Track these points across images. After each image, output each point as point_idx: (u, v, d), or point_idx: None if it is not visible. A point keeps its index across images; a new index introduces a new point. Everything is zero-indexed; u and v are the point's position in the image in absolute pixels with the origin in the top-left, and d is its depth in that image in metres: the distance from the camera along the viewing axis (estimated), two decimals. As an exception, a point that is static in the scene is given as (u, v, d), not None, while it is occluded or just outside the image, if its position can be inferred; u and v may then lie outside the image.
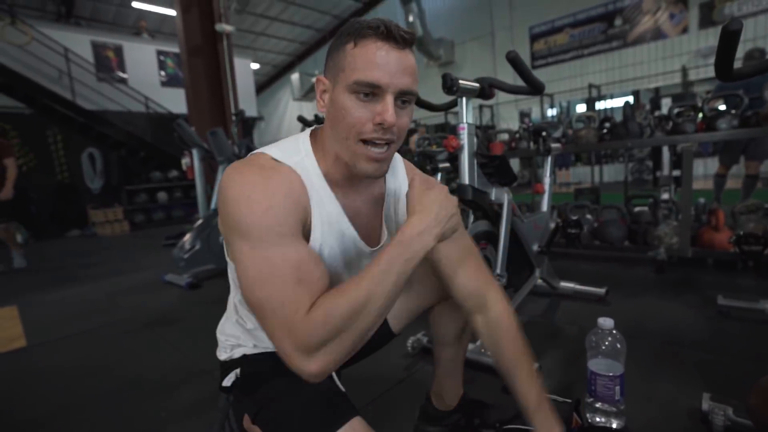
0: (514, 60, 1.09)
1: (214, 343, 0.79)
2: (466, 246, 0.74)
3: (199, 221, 2.80)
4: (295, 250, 0.53)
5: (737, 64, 0.86)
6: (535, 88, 1.20)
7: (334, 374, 0.77)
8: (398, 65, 0.54)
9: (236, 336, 0.73)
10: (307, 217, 0.59)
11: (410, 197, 0.59)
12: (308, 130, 0.66)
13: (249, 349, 0.72)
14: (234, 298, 0.72)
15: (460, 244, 0.72)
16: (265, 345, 0.73)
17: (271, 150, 0.60)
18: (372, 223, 0.69)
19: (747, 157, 3.08)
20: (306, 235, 0.59)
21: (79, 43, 6.97)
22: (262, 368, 0.69)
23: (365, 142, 0.56)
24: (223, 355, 0.75)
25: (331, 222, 0.62)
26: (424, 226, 0.55)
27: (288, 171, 0.58)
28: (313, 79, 12.76)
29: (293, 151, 0.61)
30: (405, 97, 0.56)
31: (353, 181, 0.64)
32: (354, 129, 0.55)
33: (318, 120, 1.83)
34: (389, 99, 0.54)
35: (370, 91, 0.54)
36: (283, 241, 0.53)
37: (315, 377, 0.51)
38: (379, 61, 0.53)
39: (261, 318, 0.53)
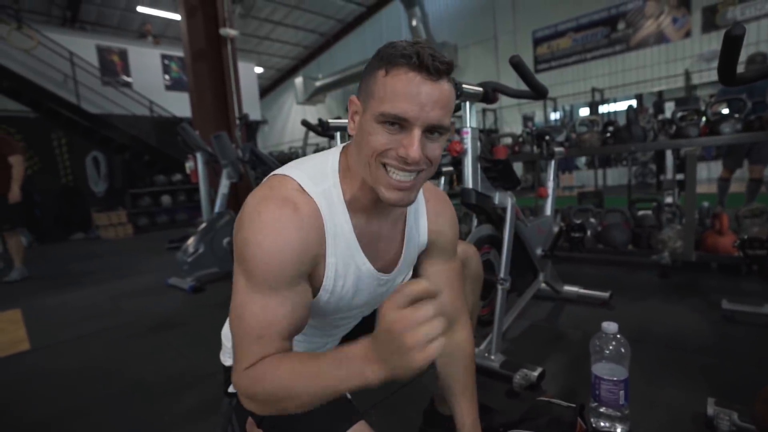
0: (517, 64, 1.10)
1: (217, 347, 0.79)
2: (453, 270, 0.76)
3: (203, 224, 2.80)
4: (276, 304, 0.54)
5: (740, 68, 0.86)
6: (538, 93, 1.21)
7: None
8: (429, 98, 0.51)
9: None
10: (318, 259, 0.59)
11: (382, 318, 0.44)
12: (340, 147, 0.64)
13: None
14: None
15: (449, 266, 0.75)
16: None
17: (299, 175, 0.58)
18: (392, 245, 0.68)
19: (751, 161, 3.07)
20: (318, 279, 0.60)
21: (85, 47, 7.04)
22: None
23: (386, 166, 0.54)
24: (228, 360, 0.76)
25: (346, 258, 0.61)
26: (374, 369, 0.45)
27: (309, 209, 0.56)
28: (317, 83, 12.78)
29: (321, 178, 0.59)
30: (436, 130, 0.54)
31: (379, 204, 0.61)
32: (375, 152, 0.54)
33: (323, 125, 1.84)
34: (416, 133, 0.52)
35: (397, 122, 0.52)
36: (272, 293, 0.54)
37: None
38: (408, 93, 0.50)
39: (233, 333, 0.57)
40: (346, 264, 0.62)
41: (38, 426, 1.21)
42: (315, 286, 0.61)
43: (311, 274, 0.60)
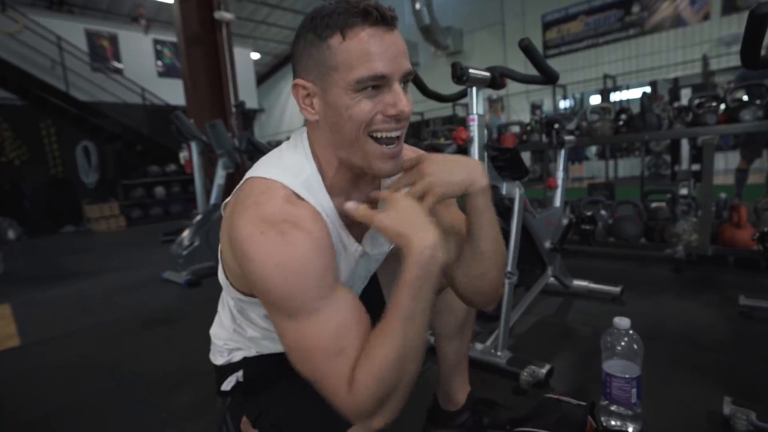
0: (527, 48, 1.04)
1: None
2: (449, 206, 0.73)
3: (198, 217, 2.77)
4: (333, 312, 0.49)
5: (763, 52, 0.81)
6: (548, 77, 1.15)
7: None
8: (396, 49, 0.50)
9: (235, 341, 0.71)
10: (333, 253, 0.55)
11: (384, 217, 0.52)
12: (303, 135, 0.59)
13: (250, 353, 0.71)
14: (229, 304, 0.70)
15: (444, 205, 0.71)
16: (268, 350, 0.72)
17: (277, 174, 0.54)
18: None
19: None
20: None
21: (73, 31, 6.84)
22: (264, 371, 0.68)
23: (376, 139, 0.52)
24: (219, 359, 0.74)
25: (336, 243, 0.59)
26: (420, 245, 0.49)
27: (305, 212, 0.52)
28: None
29: (299, 169, 0.56)
30: (406, 78, 0.53)
31: (357, 183, 0.61)
32: (363, 124, 0.51)
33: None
34: (397, 87, 0.51)
35: (376, 84, 0.50)
36: (322, 304, 0.49)
37: (382, 429, 0.51)
38: (377, 50, 0.48)
39: (314, 383, 0.51)
40: (338, 249, 0.59)
41: (29, 424, 1.19)
42: None
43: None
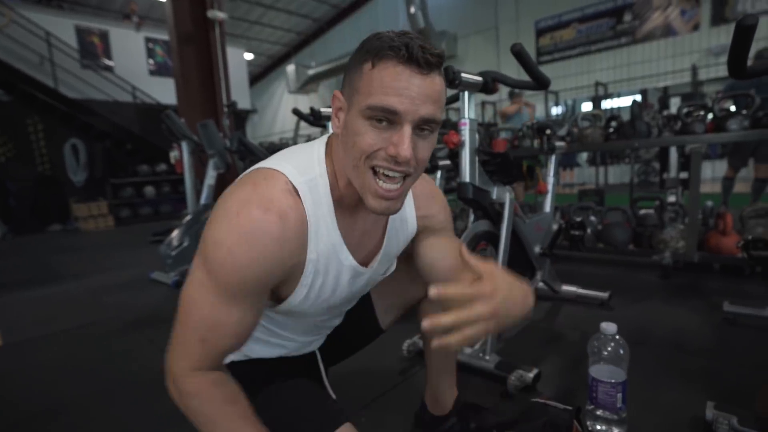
0: (519, 53, 1.05)
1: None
2: (451, 241, 0.73)
3: (188, 217, 2.73)
4: (228, 313, 0.53)
5: (749, 63, 0.83)
6: (540, 83, 1.16)
7: (324, 377, 0.75)
8: (420, 92, 0.48)
9: None
10: (293, 270, 0.57)
11: None
12: (324, 139, 0.61)
13: (238, 356, 0.70)
14: None
15: (446, 238, 0.72)
16: (257, 354, 0.71)
17: (284, 167, 0.55)
18: (373, 238, 0.66)
19: (756, 159, 3.02)
20: (296, 276, 0.58)
21: (62, 27, 6.74)
22: (252, 375, 0.67)
23: (375, 172, 0.52)
24: None
25: (329, 254, 0.59)
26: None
27: (295, 215, 0.53)
28: (310, 71, 12.51)
29: (307, 167, 0.57)
30: (427, 126, 0.51)
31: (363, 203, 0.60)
32: (364, 155, 0.51)
33: (314, 114, 1.79)
34: (406, 129, 0.49)
35: (385, 118, 0.49)
36: (229, 301, 0.52)
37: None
38: (397, 86, 0.48)
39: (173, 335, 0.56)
40: (328, 259, 0.59)
41: (12, 427, 1.16)
42: (291, 284, 0.59)
43: (286, 275, 0.57)
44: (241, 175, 0.58)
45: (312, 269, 0.58)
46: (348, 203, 0.59)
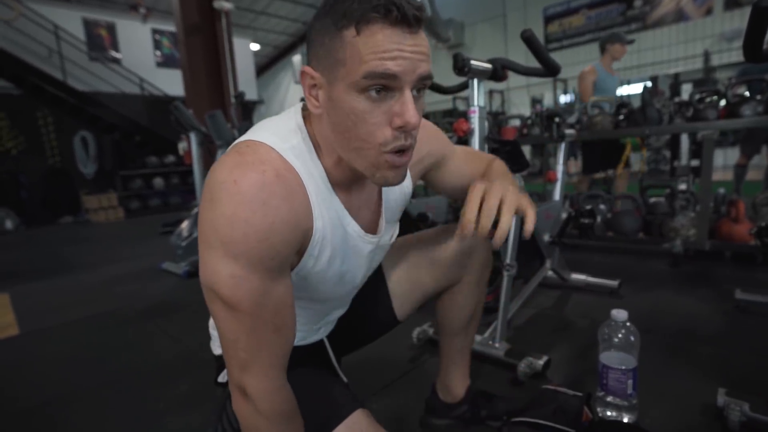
0: (529, 39, 1.03)
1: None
2: (460, 153, 0.77)
3: (197, 208, 2.76)
4: (276, 290, 0.49)
5: (765, 46, 0.81)
6: (550, 69, 1.14)
7: (336, 365, 0.75)
8: (414, 50, 0.45)
9: None
10: (306, 234, 0.52)
11: None
12: (297, 110, 0.56)
13: None
14: None
15: (454, 157, 0.75)
16: None
17: (263, 135, 0.51)
18: (370, 206, 0.63)
19: None
20: (303, 248, 0.54)
21: (70, 19, 6.72)
22: None
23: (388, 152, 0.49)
24: (217, 349, 0.74)
25: (334, 223, 0.56)
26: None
27: (288, 174, 0.49)
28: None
29: (286, 134, 0.52)
30: (422, 85, 0.48)
31: (357, 181, 0.57)
32: (375, 140, 0.47)
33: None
34: (407, 94, 0.46)
35: (383, 86, 0.45)
36: (272, 275, 0.48)
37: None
38: (392, 50, 0.43)
39: (225, 345, 0.51)
40: (334, 227, 0.56)
41: (28, 413, 1.20)
42: (297, 256, 0.55)
43: (300, 240, 0.53)
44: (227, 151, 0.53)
45: (320, 237, 0.54)
46: (337, 181, 0.55)
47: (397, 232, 0.72)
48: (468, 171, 0.74)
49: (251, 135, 0.52)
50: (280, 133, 0.52)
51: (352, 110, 0.46)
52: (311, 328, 0.73)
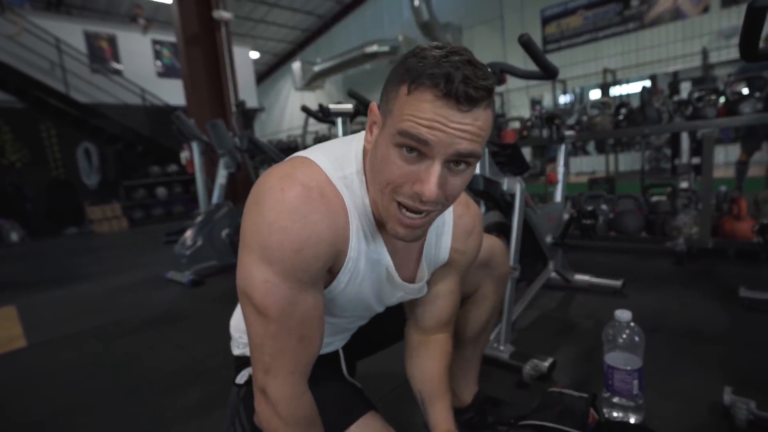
0: (527, 43, 1.04)
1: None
2: (456, 281, 0.72)
3: (200, 217, 2.77)
4: (305, 301, 0.51)
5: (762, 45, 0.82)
6: (548, 73, 1.15)
7: (344, 369, 0.76)
8: (457, 128, 0.43)
9: None
10: (339, 255, 0.53)
11: None
12: (362, 137, 0.55)
13: None
14: None
15: (456, 278, 0.71)
16: None
17: (320, 158, 0.52)
18: (410, 258, 0.63)
19: None
20: (335, 270, 0.55)
21: (71, 32, 6.79)
22: None
23: (399, 203, 0.48)
24: (236, 350, 0.75)
25: (368, 252, 0.56)
26: None
27: (333, 198, 0.50)
28: (316, 68, 12.39)
29: (343, 162, 0.53)
30: (463, 160, 0.46)
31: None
32: (389, 186, 0.47)
33: (323, 110, 1.78)
34: (436, 166, 0.44)
35: (416, 148, 0.44)
36: (302, 286, 0.50)
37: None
38: (431, 118, 0.42)
39: (252, 347, 0.53)
40: (369, 260, 0.56)
41: (37, 425, 1.20)
42: (329, 277, 0.56)
43: (332, 260, 0.54)
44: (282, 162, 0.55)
45: (352, 266, 0.55)
46: (378, 216, 0.54)
47: (425, 290, 0.71)
48: (454, 305, 0.72)
49: (310, 153, 0.53)
50: (338, 161, 0.53)
51: (384, 157, 0.47)
52: (326, 342, 0.74)
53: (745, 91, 2.16)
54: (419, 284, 0.64)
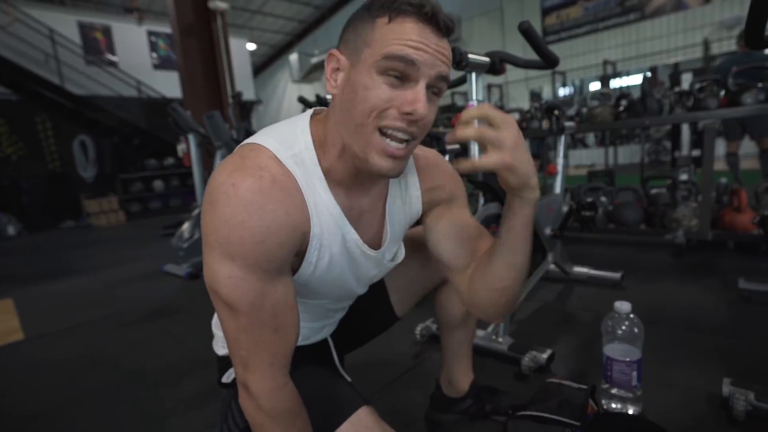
0: (527, 31, 1.02)
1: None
2: (462, 215, 0.69)
3: (198, 210, 2.76)
4: (274, 291, 0.51)
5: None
6: (549, 62, 1.14)
7: (337, 362, 0.76)
8: (437, 50, 0.48)
9: None
10: (304, 237, 0.54)
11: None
12: (308, 113, 0.58)
13: None
14: None
15: (457, 212, 0.69)
16: None
17: (267, 141, 0.52)
18: (373, 220, 0.62)
19: (759, 133, 2.96)
20: (301, 252, 0.55)
21: (65, 24, 6.70)
22: None
23: (383, 133, 0.49)
24: (221, 350, 0.74)
25: (331, 228, 0.56)
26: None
27: (286, 180, 0.51)
28: (313, 60, 12.29)
29: (291, 141, 0.53)
30: (438, 86, 0.50)
31: (359, 178, 0.56)
32: (374, 112, 0.48)
33: (320, 101, 1.76)
34: (422, 86, 0.48)
35: (402, 71, 0.47)
36: (270, 276, 0.50)
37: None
38: (417, 39, 0.47)
39: (228, 343, 0.53)
40: (331, 234, 0.56)
41: (34, 417, 1.20)
42: (297, 260, 0.56)
43: (297, 245, 0.54)
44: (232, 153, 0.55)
45: (317, 243, 0.55)
46: (339, 179, 0.55)
47: (402, 254, 0.71)
48: (468, 229, 0.67)
49: (257, 138, 0.54)
50: (285, 140, 0.53)
51: (366, 86, 0.48)
52: (314, 327, 0.73)
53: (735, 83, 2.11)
54: (383, 249, 0.64)
